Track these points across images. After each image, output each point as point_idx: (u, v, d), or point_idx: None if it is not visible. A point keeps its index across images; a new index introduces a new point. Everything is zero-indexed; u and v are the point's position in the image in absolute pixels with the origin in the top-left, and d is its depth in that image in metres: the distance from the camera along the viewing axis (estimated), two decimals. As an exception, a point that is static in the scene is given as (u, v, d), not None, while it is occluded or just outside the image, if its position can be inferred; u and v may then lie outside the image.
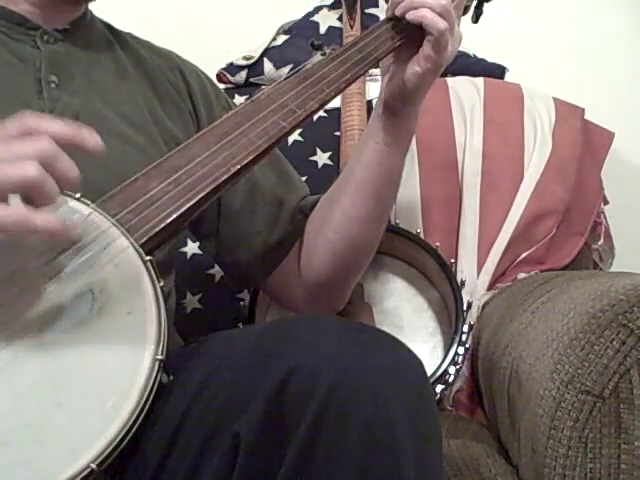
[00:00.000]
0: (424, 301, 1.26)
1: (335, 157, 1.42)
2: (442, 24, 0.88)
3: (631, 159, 1.71)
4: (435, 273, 1.25)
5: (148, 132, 0.96)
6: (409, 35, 0.92)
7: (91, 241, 0.71)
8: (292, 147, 1.41)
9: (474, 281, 1.30)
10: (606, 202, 1.49)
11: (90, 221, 0.72)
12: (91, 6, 1.00)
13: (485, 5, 1.05)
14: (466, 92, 1.46)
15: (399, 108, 0.95)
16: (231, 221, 1.03)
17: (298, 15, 1.59)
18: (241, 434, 0.66)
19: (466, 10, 0.98)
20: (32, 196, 0.64)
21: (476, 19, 0.97)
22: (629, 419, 0.81)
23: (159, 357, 0.67)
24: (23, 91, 0.90)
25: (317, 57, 0.93)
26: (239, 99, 1.45)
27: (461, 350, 1.16)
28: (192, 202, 0.77)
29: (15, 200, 0.63)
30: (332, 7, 1.57)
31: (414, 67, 0.91)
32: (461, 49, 1.33)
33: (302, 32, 1.55)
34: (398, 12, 0.92)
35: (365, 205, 0.99)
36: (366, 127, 1.02)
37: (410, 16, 0.90)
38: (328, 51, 0.93)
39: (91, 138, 0.68)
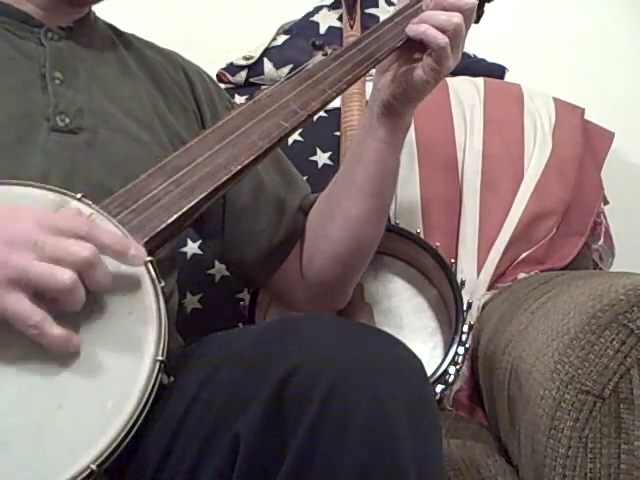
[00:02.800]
0: (424, 301, 1.26)
1: (335, 157, 1.42)
2: (442, 41, 0.89)
3: (631, 159, 1.71)
4: (435, 273, 1.25)
5: (153, 129, 0.97)
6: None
7: (92, 241, 0.71)
8: (292, 147, 1.41)
9: (474, 281, 1.30)
10: (606, 202, 1.49)
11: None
12: (93, 7, 1.00)
13: (486, 5, 1.05)
14: (466, 92, 1.46)
15: (399, 107, 0.95)
16: (236, 220, 1.04)
17: (298, 15, 1.59)
18: (241, 434, 0.66)
19: (478, 19, 0.99)
20: (59, 301, 0.64)
21: (477, 19, 0.97)
22: (629, 419, 0.81)
23: (160, 358, 0.67)
24: (28, 87, 0.90)
25: (318, 57, 0.93)
26: (239, 99, 1.45)
27: (461, 350, 1.16)
28: (193, 202, 0.77)
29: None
30: (332, 7, 1.57)
31: (419, 72, 0.91)
32: (461, 49, 1.33)
33: (302, 32, 1.54)
34: (410, 34, 0.92)
35: (366, 204, 0.99)
36: (361, 126, 1.02)
37: (410, 32, 0.91)
38: (329, 51, 0.93)
39: (135, 252, 0.68)
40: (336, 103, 1.39)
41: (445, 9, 0.90)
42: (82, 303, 0.65)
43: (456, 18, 0.89)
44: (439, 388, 1.16)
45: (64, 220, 0.67)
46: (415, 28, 0.90)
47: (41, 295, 0.64)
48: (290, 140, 1.42)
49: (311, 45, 0.96)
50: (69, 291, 0.64)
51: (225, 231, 1.04)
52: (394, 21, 0.93)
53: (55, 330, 0.64)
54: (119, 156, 0.90)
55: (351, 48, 0.92)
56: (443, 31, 0.89)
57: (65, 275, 0.63)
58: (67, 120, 0.89)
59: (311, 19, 1.58)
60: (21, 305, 0.63)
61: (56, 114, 0.89)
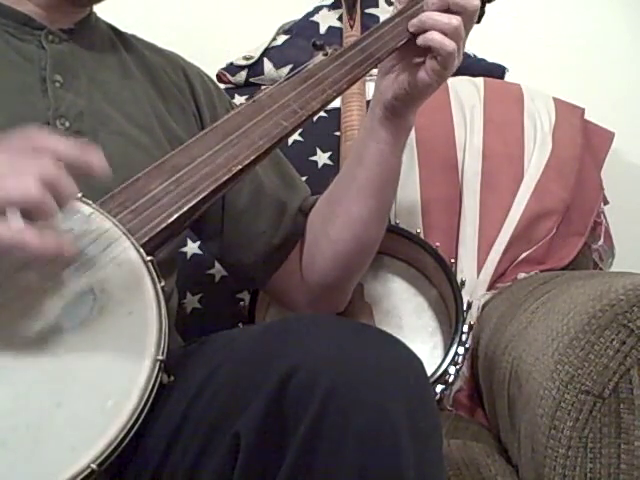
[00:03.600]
0: (424, 301, 1.26)
1: (335, 157, 1.41)
2: (450, 47, 0.89)
3: (631, 159, 1.71)
4: (435, 273, 1.25)
5: (152, 132, 0.97)
6: (412, 34, 0.92)
7: (92, 241, 0.71)
8: (292, 147, 1.41)
9: (474, 281, 1.30)
10: (606, 202, 1.49)
11: (91, 221, 0.72)
12: (94, 8, 1.00)
13: (487, 6, 1.05)
14: (466, 92, 1.46)
15: (401, 109, 0.95)
16: (235, 222, 1.04)
17: (298, 15, 1.59)
18: (241, 434, 0.66)
19: (479, 19, 0.98)
20: (31, 213, 0.63)
21: (478, 19, 0.97)
22: (629, 419, 0.81)
23: (159, 357, 0.67)
24: (28, 90, 0.90)
25: (319, 57, 0.93)
26: (239, 99, 1.45)
27: (461, 350, 1.16)
28: (193, 202, 0.77)
29: (14, 216, 0.63)
30: (332, 7, 1.57)
31: (422, 75, 0.91)
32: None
33: (302, 32, 1.54)
34: (412, 29, 0.92)
35: (368, 205, 0.99)
36: (363, 127, 1.02)
37: (420, 41, 0.91)
38: (330, 51, 0.93)
39: (97, 160, 0.68)
40: (336, 103, 1.39)
41: (449, 9, 0.90)
42: (55, 213, 0.64)
43: (456, 21, 0.89)
44: (439, 388, 1.16)
45: (20, 140, 0.67)
46: (423, 36, 0.90)
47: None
48: (290, 140, 1.42)
49: (312, 45, 0.95)
50: (38, 201, 0.63)
51: (224, 233, 1.04)
52: (395, 21, 0.93)
53: (40, 236, 0.63)
54: (119, 159, 0.89)
55: (351, 48, 0.92)
56: (444, 34, 0.89)
57: (31, 185, 0.63)
58: (67, 124, 0.89)
59: (311, 19, 1.58)
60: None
61: (56, 118, 0.89)
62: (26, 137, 0.68)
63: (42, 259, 0.64)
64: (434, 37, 0.89)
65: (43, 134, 0.68)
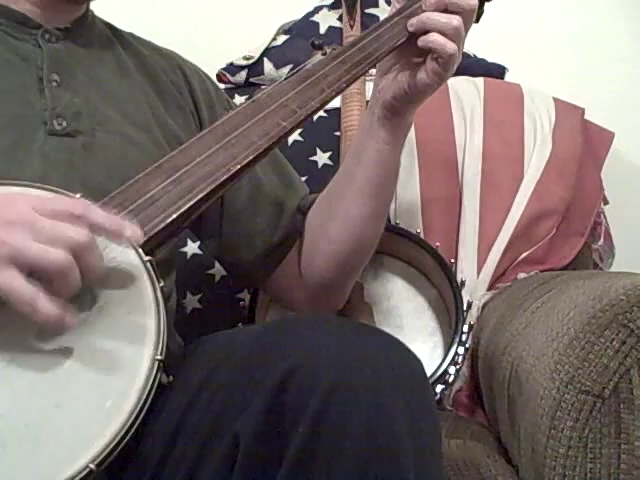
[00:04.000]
0: (424, 301, 1.26)
1: (335, 157, 1.41)
2: (451, 49, 0.88)
3: (631, 159, 1.71)
4: (435, 273, 1.25)
5: (150, 131, 0.96)
6: (411, 34, 0.92)
7: (91, 241, 0.70)
8: (292, 147, 1.41)
9: (474, 281, 1.30)
10: (606, 202, 1.49)
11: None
12: (92, 6, 1.00)
13: (486, 5, 1.05)
14: (466, 92, 1.46)
15: (401, 109, 0.95)
16: (234, 221, 1.04)
17: (298, 15, 1.59)
18: (241, 434, 0.66)
19: (478, 18, 0.98)
20: (54, 282, 0.64)
21: (477, 19, 0.97)
22: (629, 419, 0.81)
23: (158, 357, 0.67)
24: (25, 90, 0.90)
25: (318, 57, 0.93)
26: (239, 99, 1.45)
27: (461, 350, 1.16)
28: (192, 202, 0.77)
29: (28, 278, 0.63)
30: (332, 7, 1.57)
31: (422, 75, 0.91)
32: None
33: (302, 32, 1.54)
34: (411, 29, 0.92)
35: (367, 204, 0.99)
36: (362, 127, 1.02)
37: (421, 43, 0.91)
38: (329, 51, 0.93)
39: (131, 232, 0.69)
40: (336, 103, 1.39)
41: (447, 9, 0.90)
42: (77, 287, 0.65)
43: (456, 21, 0.89)
44: (439, 388, 1.16)
45: (60, 202, 0.68)
46: (424, 38, 0.90)
47: (38, 280, 0.64)
48: (290, 140, 1.42)
49: (310, 45, 0.95)
50: (63, 271, 0.64)
51: (223, 232, 1.04)
52: (393, 20, 0.93)
53: (48, 306, 0.63)
54: (116, 159, 0.90)
55: (350, 47, 0.92)
56: (444, 35, 0.89)
57: (60, 255, 0.64)
58: (64, 123, 0.89)
59: (311, 19, 1.57)
60: (16, 282, 0.63)
61: (53, 117, 0.88)
62: (69, 202, 0.69)
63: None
64: (435, 39, 0.89)
65: (84, 204, 0.69)
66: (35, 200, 0.67)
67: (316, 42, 0.95)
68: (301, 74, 0.89)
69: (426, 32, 0.90)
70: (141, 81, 1.01)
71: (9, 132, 0.86)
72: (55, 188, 0.73)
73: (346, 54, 0.91)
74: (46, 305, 0.63)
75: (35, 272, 0.64)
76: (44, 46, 0.92)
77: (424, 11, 0.91)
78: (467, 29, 0.92)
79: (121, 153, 0.91)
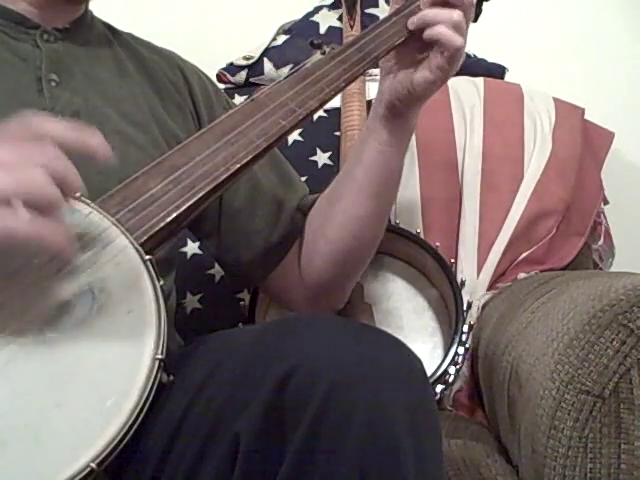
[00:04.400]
0: (424, 301, 1.26)
1: (335, 157, 1.41)
2: (458, 41, 0.88)
3: (631, 159, 1.71)
4: (435, 273, 1.25)
5: (149, 131, 0.96)
6: (410, 33, 0.92)
7: (91, 240, 0.71)
8: (292, 147, 1.41)
9: (474, 281, 1.30)
10: (606, 202, 1.50)
11: (90, 220, 0.72)
12: (91, 6, 1.00)
13: (485, 5, 1.05)
14: (466, 92, 1.46)
15: (403, 109, 0.95)
16: (232, 220, 1.03)
17: (298, 15, 1.59)
18: (241, 434, 0.66)
19: (476, 18, 0.98)
20: (37, 203, 0.63)
21: (475, 18, 0.97)
22: (629, 419, 0.81)
23: (159, 356, 0.66)
24: (24, 90, 0.90)
25: (317, 56, 0.93)
26: (239, 99, 1.45)
27: (461, 350, 1.16)
28: (192, 201, 0.77)
29: (21, 208, 0.63)
30: (332, 7, 1.57)
31: (425, 73, 0.91)
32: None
33: (302, 32, 1.54)
34: (412, 27, 0.92)
35: (367, 205, 0.99)
36: (364, 127, 1.01)
37: (426, 36, 0.90)
38: (328, 50, 0.93)
39: (99, 143, 0.68)
40: (336, 103, 1.39)
41: (446, 4, 0.90)
42: (61, 203, 0.64)
43: (456, 15, 0.89)
44: (439, 388, 1.16)
45: (16, 128, 0.67)
46: (430, 31, 0.89)
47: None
48: (290, 140, 1.42)
49: (309, 44, 0.95)
50: (46, 191, 0.63)
51: (221, 231, 1.04)
52: (392, 20, 0.93)
53: (50, 229, 0.63)
54: (115, 158, 0.89)
55: (349, 47, 0.92)
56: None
57: (38, 175, 0.63)
58: None
59: (311, 19, 1.58)
60: (10, 218, 0.62)
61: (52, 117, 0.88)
62: (25, 124, 0.67)
63: (49, 253, 0.64)
64: (442, 30, 0.88)
65: (41, 119, 0.68)
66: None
67: (315, 41, 0.95)
68: (300, 73, 0.89)
69: (431, 27, 0.90)
70: (140, 81, 1.01)
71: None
72: None
73: (345, 53, 0.91)
74: (49, 228, 0.63)
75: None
76: (43, 46, 0.92)
77: (422, 10, 0.91)
78: (467, 26, 0.91)
79: (121, 152, 0.91)
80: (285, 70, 1.49)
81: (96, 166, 0.88)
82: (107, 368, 0.66)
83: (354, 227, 1.00)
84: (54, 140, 0.66)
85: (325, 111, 1.42)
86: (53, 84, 0.91)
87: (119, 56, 1.01)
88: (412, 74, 0.92)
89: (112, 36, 1.02)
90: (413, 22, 0.91)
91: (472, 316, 1.25)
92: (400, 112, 0.95)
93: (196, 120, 1.04)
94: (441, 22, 0.88)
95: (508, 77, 1.57)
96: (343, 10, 1.51)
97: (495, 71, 1.56)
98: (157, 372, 0.66)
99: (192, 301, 1.34)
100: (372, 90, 1.41)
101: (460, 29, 0.89)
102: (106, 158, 0.68)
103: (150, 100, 1.00)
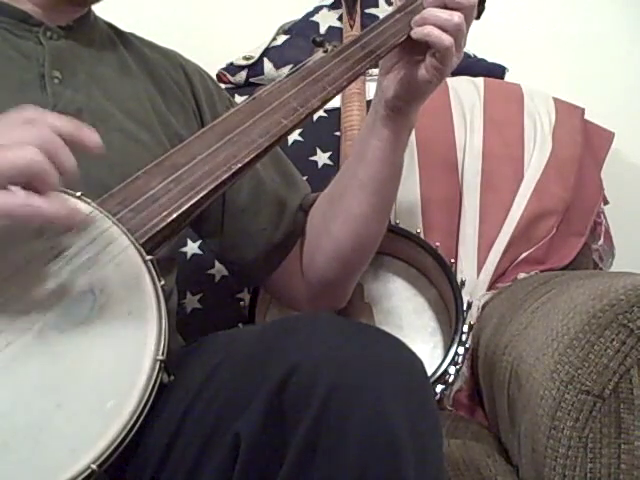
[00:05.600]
0: (424, 301, 1.26)
1: (335, 157, 1.42)
2: (447, 41, 0.88)
3: (631, 159, 1.71)
4: (435, 273, 1.25)
5: (151, 128, 0.97)
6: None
7: (92, 240, 0.70)
8: (292, 147, 1.41)
9: (474, 281, 1.30)
10: (606, 202, 1.50)
11: (90, 220, 0.72)
12: (93, 7, 1.00)
13: (486, 3, 1.04)
14: (466, 92, 1.46)
15: (403, 107, 0.95)
16: (235, 219, 1.04)
17: (298, 15, 1.59)
18: (241, 434, 0.66)
19: (479, 15, 0.98)
20: (33, 182, 0.63)
21: (478, 15, 0.97)
22: (629, 419, 0.81)
23: (160, 357, 0.66)
24: (26, 86, 0.90)
25: (319, 54, 0.92)
26: (239, 99, 1.44)
27: (461, 350, 1.16)
28: (193, 201, 0.77)
29: (16, 187, 0.63)
30: (332, 7, 1.57)
31: (422, 72, 0.91)
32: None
33: (302, 32, 1.55)
34: (414, 25, 0.92)
35: (369, 203, 0.99)
36: (364, 126, 1.02)
37: (415, 35, 0.91)
38: (330, 48, 0.93)
39: (91, 135, 0.68)
40: (336, 103, 1.39)
41: (446, 5, 0.90)
42: (57, 182, 0.65)
43: (457, 17, 0.89)
44: (439, 388, 1.16)
45: (13, 116, 0.67)
46: (419, 30, 0.90)
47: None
48: (290, 140, 1.42)
49: (312, 42, 0.95)
50: (40, 168, 0.63)
51: (224, 230, 1.04)
52: (395, 18, 0.93)
53: (47, 200, 0.63)
54: (118, 156, 0.89)
55: (352, 45, 0.91)
56: (445, 31, 0.88)
57: (31, 152, 0.63)
58: None
59: (311, 19, 1.58)
60: (9, 197, 0.62)
61: None
62: (21, 112, 0.68)
63: (54, 227, 0.64)
64: (430, 31, 0.89)
65: (37, 109, 0.68)
66: None
67: (317, 39, 0.94)
68: (302, 72, 0.89)
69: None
70: (143, 79, 1.01)
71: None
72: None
73: (347, 51, 0.91)
74: (46, 200, 0.63)
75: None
76: (46, 43, 0.92)
77: (425, 8, 0.91)
78: (468, 26, 0.91)
79: (122, 150, 0.91)
80: (285, 70, 1.49)
81: (98, 162, 0.88)
82: (108, 369, 0.66)
83: (357, 224, 1.00)
84: (50, 127, 0.66)
85: (325, 111, 1.42)
86: (56, 81, 0.91)
87: (122, 55, 1.01)
88: (411, 73, 0.92)
89: (115, 35, 1.02)
90: (415, 21, 0.91)
91: (472, 316, 1.25)
92: (400, 110, 0.95)
93: (198, 118, 1.04)
94: (439, 24, 0.89)
95: (508, 77, 1.57)
96: (343, 10, 1.51)
97: (495, 71, 1.56)
98: (158, 373, 0.66)
99: (192, 301, 1.34)
100: (372, 90, 1.40)
101: (458, 31, 0.89)
102: (96, 146, 0.68)
103: (153, 98, 1.00)
